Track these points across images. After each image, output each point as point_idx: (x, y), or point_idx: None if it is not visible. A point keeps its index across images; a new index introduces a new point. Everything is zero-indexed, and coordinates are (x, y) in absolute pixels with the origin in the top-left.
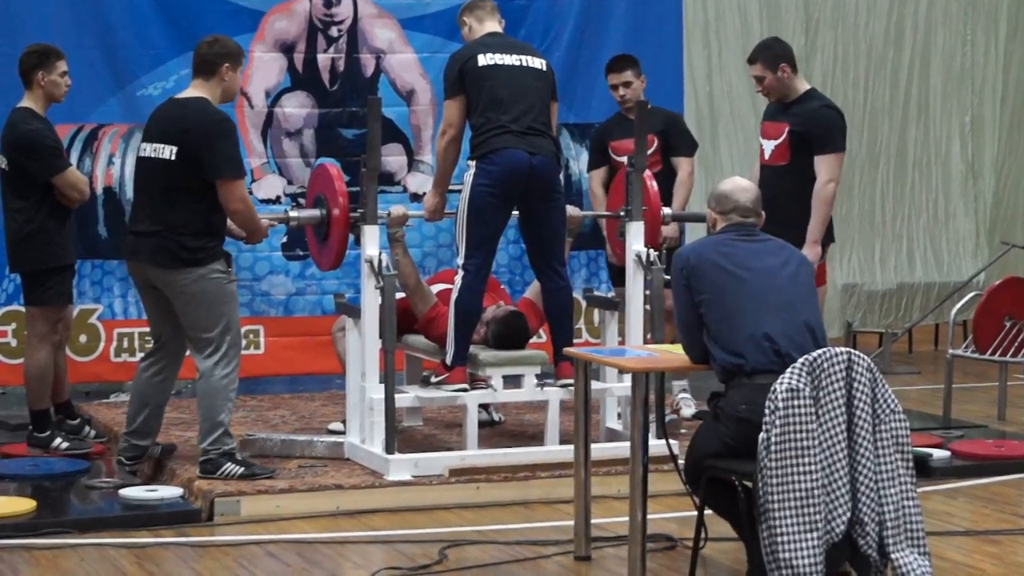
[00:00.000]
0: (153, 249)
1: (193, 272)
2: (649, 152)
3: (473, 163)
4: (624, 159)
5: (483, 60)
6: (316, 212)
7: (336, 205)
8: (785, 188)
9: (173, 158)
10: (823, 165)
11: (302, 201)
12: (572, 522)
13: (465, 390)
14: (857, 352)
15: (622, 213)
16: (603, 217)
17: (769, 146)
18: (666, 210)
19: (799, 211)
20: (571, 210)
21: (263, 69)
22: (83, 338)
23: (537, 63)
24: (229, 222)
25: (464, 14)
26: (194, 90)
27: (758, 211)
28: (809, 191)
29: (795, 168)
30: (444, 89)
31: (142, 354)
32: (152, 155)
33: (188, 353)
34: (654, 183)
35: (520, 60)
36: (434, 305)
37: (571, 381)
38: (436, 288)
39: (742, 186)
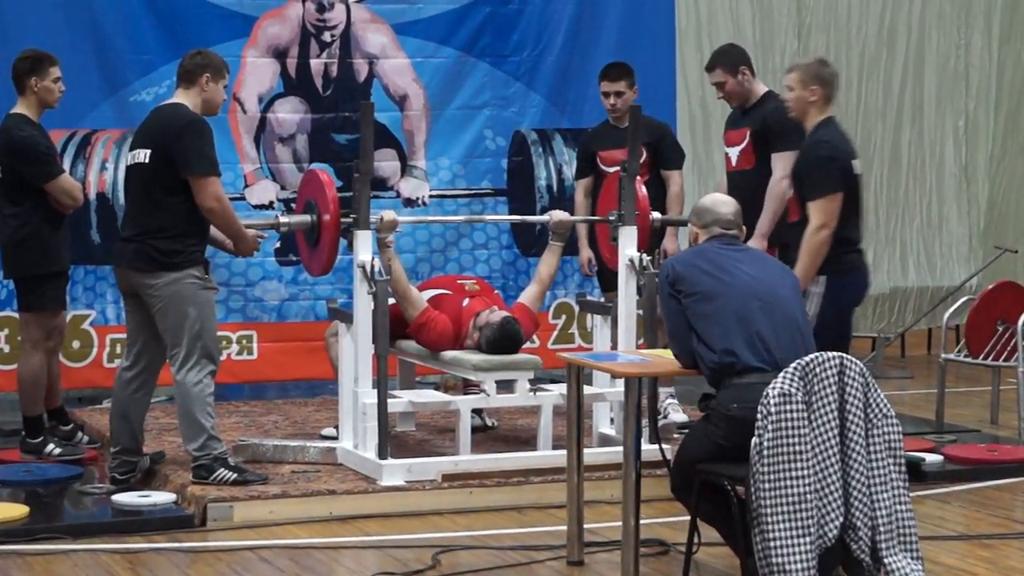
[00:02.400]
0: (132, 254)
1: (168, 276)
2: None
3: (823, 278)
4: (612, 169)
5: (856, 168)
6: (306, 218)
7: (327, 210)
8: (755, 191)
9: (147, 160)
10: (779, 162)
11: (295, 206)
12: (565, 527)
13: None
14: (849, 357)
15: (611, 217)
16: (593, 222)
17: (734, 152)
18: (655, 214)
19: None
20: (559, 214)
21: (256, 74)
22: (76, 344)
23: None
24: (215, 232)
25: (814, 81)
26: (174, 99)
27: (739, 223)
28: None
29: (762, 170)
30: (819, 181)
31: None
32: (132, 162)
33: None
34: (643, 187)
35: (861, 167)
36: (424, 310)
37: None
38: (428, 294)
39: (722, 200)
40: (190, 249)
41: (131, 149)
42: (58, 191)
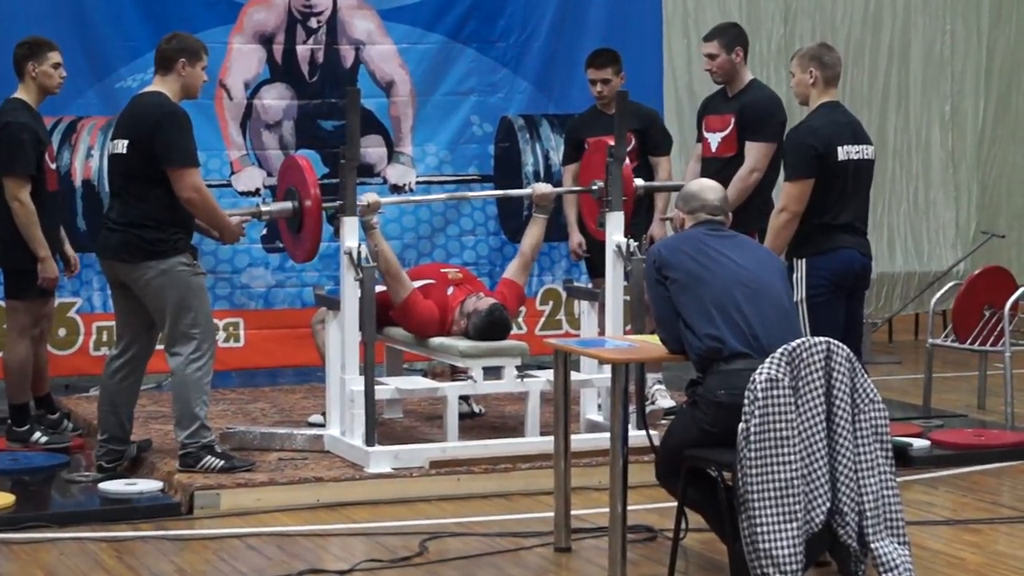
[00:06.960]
0: (117, 244)
1: (156, 265)
2: (627, 150)
3: (803, 260)
4: None
5: (841, 154)
6: (288, 204)
7: (308, 196)
8: (733, 177)
9: (126, 151)
10: (751, 152)
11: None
12: (553, 513)
13: None
14: (836, 342)
15: (594, 187)
16: (575, 192)
17: (715, 138)
18: (638, 181)
19: (750, 200)
20: (542, 187)
21: (242, 61)
22: (62, 331)
23: (871, 152)
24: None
25: (812, 63)
26: (153, 86)
27: (725, 210)
28: (759, 180)
29: (743, 159)
30: (790, 165)
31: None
32: (112, 151)
33: (161, 348)
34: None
35: (862, 152)
36: (412, 292)
37: None
38: (418, 284)
39: (709, 186)
40: (175, 238)
41: (111, 139)
42: (10, 187)
